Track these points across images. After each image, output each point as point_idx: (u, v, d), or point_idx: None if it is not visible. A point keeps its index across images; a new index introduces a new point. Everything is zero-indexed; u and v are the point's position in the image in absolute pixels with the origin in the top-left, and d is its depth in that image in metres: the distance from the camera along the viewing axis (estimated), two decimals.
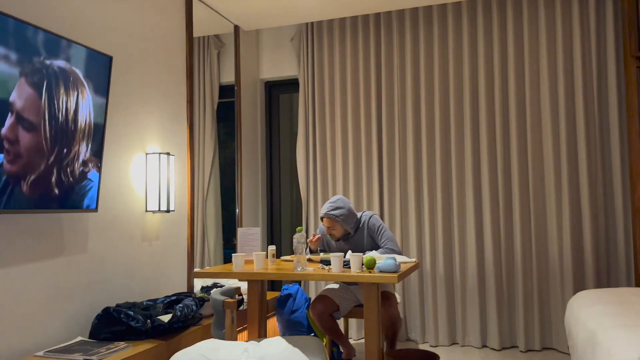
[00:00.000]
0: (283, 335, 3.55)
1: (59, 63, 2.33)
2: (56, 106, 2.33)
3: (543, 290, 3.75)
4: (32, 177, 2.22)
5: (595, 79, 3.69)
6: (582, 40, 3.71)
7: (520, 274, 3.75)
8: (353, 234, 3.24)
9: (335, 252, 3.26)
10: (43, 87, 2.25)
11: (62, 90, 2.35)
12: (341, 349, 3.54)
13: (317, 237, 3.26)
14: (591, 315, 2.43)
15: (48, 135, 2.29)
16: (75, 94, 2.43)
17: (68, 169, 2.41)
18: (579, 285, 3.66)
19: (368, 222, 3.24)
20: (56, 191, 2.34)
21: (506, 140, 3.89)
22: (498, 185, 3.87)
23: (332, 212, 3.15)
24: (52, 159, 2.32)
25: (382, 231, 3.21)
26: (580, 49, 3.70)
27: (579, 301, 2.76)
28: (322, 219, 3.22)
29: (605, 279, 3.65)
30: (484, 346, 3.85)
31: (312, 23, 4.39)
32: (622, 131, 3.65)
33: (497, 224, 3.86)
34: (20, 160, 2.15)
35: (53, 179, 2.33)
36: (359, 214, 3.31)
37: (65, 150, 2.38)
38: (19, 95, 2.12)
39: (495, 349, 3.77)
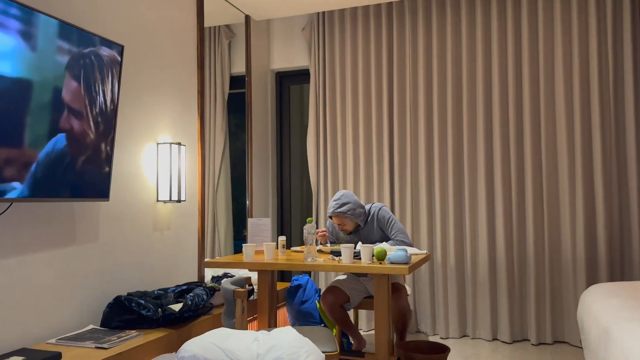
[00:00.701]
0: (293, 325, 3.55)
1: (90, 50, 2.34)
2: (95, 93, 2.37)
3: (555, 283, 3.72)
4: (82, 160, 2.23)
5: (612, 71, 3.62)
6: (598, 30, 3.64)
7: (533, 266, 3.72)
8: (363, 226, 3.23)
9: (350, 240, 3.26)
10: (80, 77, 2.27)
11: (97, 77, 2.39)
12: (351, 340, 3.54)
13: (321, 232, 3.26)
14: (604, 309, 2.40)
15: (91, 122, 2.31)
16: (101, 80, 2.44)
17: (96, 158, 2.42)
18: (592, 279, 3.62)
19: (378, 214, 3.22)
20: (81, 179, 2.36)
21: (519, 133, 3.84)
22: (511, 177, 3.83)
23: (340, 210, 3.12)
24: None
25: (392, 223, 3.19)
26: (597, 40, 3.64)
27: (592, 294, 2.73)
28: (330, 217, 3.20)
29: (618, 273, 3.60)
30: (495, 339, 3.83)
31: (323, 12, 4.36)
32: (638, 124, 3.59)
33: (509, 216, 3.82)
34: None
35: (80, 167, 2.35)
36: (367, 206, 3.28)
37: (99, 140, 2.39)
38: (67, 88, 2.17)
39: (506, 342, 3.75)
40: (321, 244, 3.29)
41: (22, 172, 2.08)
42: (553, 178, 3.74)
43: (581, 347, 3.52)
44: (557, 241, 3.72)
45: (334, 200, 3.16)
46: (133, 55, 2.98)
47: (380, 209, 3.24)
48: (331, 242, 3.41)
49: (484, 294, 3.82)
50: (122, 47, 2.64)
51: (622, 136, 3.64)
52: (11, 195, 2.04)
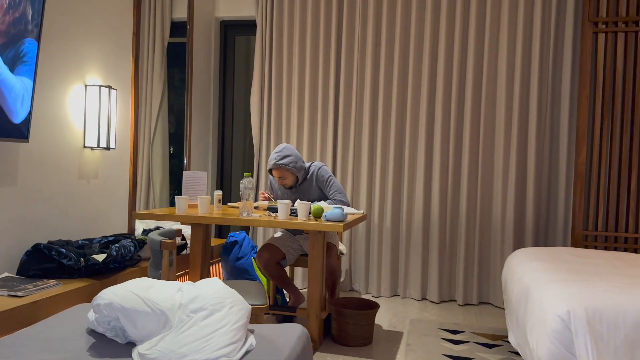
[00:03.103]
0: (228, 280, 3.51)
1: None
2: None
3: (484, 247, 3.86)
4: None
5: (552, 43, 3.70)
6: (543, 4, 3.68)
7: (464, 231, 3.83)
8: (301, 183, 3.19)
9: (288, 197, 3.21)
10: None
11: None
12: (287, 298, 3.55)
13: (263, 195, 3.22)
14: (527, 271, 2.50)
15: None
16: None
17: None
18: (519, 244, 3.79)
19: (317, 173, 3.18)
20: None
21: (460, 99, 3.88)
22: (449, 142, 3.88)
23: (281, 162, 3.04)
24: None
25: (331, 182, 3.16)
26: (541, 13, 3.68)
27: (517, 258, 2.84)
28: (270, 171, 3.13)
29: (543, 239, 3.78)
30: (424, 299, 3.95)
31: None
32: (573, 96, 3.71)
33: (445, 180, 3.90)
34: None
35: None
36: (307, 164, 3.24)
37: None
38: None
39: (434, 302, 3.88)
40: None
41: None
42: (489, 147, 3.83)
43: (504, 308, 3.70)
44: (489, 207, 3.85)
45: (275, 153, 3.07)
46: None
47: (320, 168, 3.20)
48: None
49: (416, 256, 3.92)
50: None
51: (557, 108, 3.75)
52: None
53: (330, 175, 3.18)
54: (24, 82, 2.34)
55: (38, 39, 2.40)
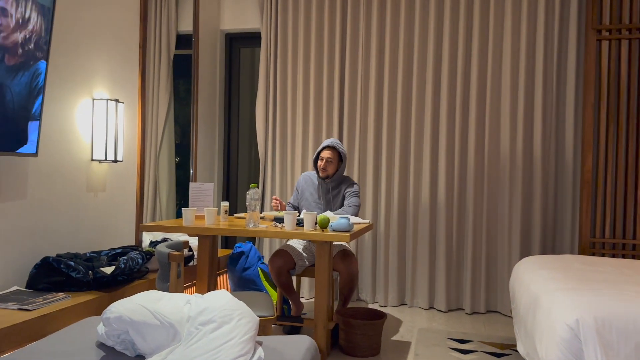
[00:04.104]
0: (235, 292, 3.51)
1: None
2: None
3: (491, 255, 3.84)
4: None
5: (556, 51, 3.71)
6: (546, 11, 3.70)
7: (471, 239, 3.82)
8: (337, 186, 3.32)
9: (315, 200, 3.33)
10: None
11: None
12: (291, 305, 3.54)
13: (275, 200, 3.27)
14: (535, 279, 2.49)
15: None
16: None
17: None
18: (526, 252, 3.77)
19: (353, 184, 3.34)
20: None
21: (465, 108, 3.89)
22: (455, 151, 3.88)
23: (336, 144, 3.26)
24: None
25: (355, 195, 3.30)
26: (544, 21, 3.69)
27: (525, 266, 2.83)
28: (321, 151, 3.28)
29: (550, 247, 3.77)
30: (431, 307, 3.94)
31: None
32: (578, 103, 3.71)
33: (451, 188, 3.90)
34: None
35: None
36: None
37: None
38: None
39: (442, 311, 3.86)
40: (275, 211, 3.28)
41: None
42: (495, 155, 3.83)
43: (512, 317, 3.68)
44: (495, 215, 3.84)
45: (332, 139, 3.30)
46: (69, 1, 2.76)
47: (358, 185, 3.40)
48: (294, 206, 3.48)
49: (423, 265, 3.91)
50: None
51: (562, 116, 3.75)
52: None
53: (358, 192, 3.34)
54: (35, 112, 2.40)
55: (47, 58, 2.43)
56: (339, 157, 3.30)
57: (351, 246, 4.04)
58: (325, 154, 3.26)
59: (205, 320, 1.57)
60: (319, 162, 3.29)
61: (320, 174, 3.30)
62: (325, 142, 3.29)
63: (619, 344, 1.82)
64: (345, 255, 3.09)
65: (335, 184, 3.32)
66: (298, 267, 3.15)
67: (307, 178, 3.44)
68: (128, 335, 1.58)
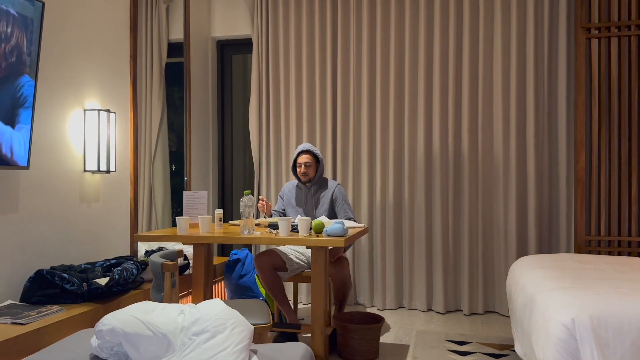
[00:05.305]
0: (231, 299, 3.50)
1: None
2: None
3: (487, 256, 3.84)
4: None
5: (547, 51, 3.72)
6: (535, 11, 3.71)
7: (467, 240, 3.82)
8: (319, 189, 3.34)
9: (300, 205, 3.35)
10: None
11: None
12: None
13: (262, 201, 3.23)
14: (531, 279, 2.49)
15: None
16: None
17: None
18: (522, 251, 3.77)
19: (337, 188, 3.35)
20: None
21: (457, 108, 3.90)
22: (448, 152, 3.89)
23: (312, 148, 3.31)
24: None
25: (346, 201, 3.34)
26: (534, 20, 3.71)
27: (521, 266, 2.83)
28: (297, 156, 3.32)
29: (546, 246, 3.77)
30: (430, 310, 3.93)
31: None
32: (569, 102, 3.72)
33: (446, 190, 3.90)
34: None
35: None
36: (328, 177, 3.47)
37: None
38: None
39: (440, 312, 3.86)
40: (264, 216, 3.25)
41: None
42: (488, 156, 3.83)
43: (509, 317, 3.67)
44: (490, 216, 3.84)
45: (306, 144, 3.36)
46: (57, 12, 2.75)
47: (339, 185, 3.41)
48: (280, 212, 3.46)
49: (420, 267, 3.90)
50: (43, 3, 2.43)
51: (554, 115, 3.76)
52: None
53: (345, 195, 3.38)
54: (23, 130, 2.38)
55: (35, 75, 2.42)
56: (316, 160, 3.35)
57: (347, 251, 4.03)
58: (303, 159, 3.31)
59: (198, 330, 1.57)
60: (298, 169, 3.33)
61: (302, 179, 3.34)
62: (299, 148, 3.34)
63: (615, 342, 1.82)
64: (336, 260, 3.09)
65: (317, 187, 3.36)
66: (291, 268, 3.13)
67: (290, 187, 3.48)
68: (121, 347, 1.57)
